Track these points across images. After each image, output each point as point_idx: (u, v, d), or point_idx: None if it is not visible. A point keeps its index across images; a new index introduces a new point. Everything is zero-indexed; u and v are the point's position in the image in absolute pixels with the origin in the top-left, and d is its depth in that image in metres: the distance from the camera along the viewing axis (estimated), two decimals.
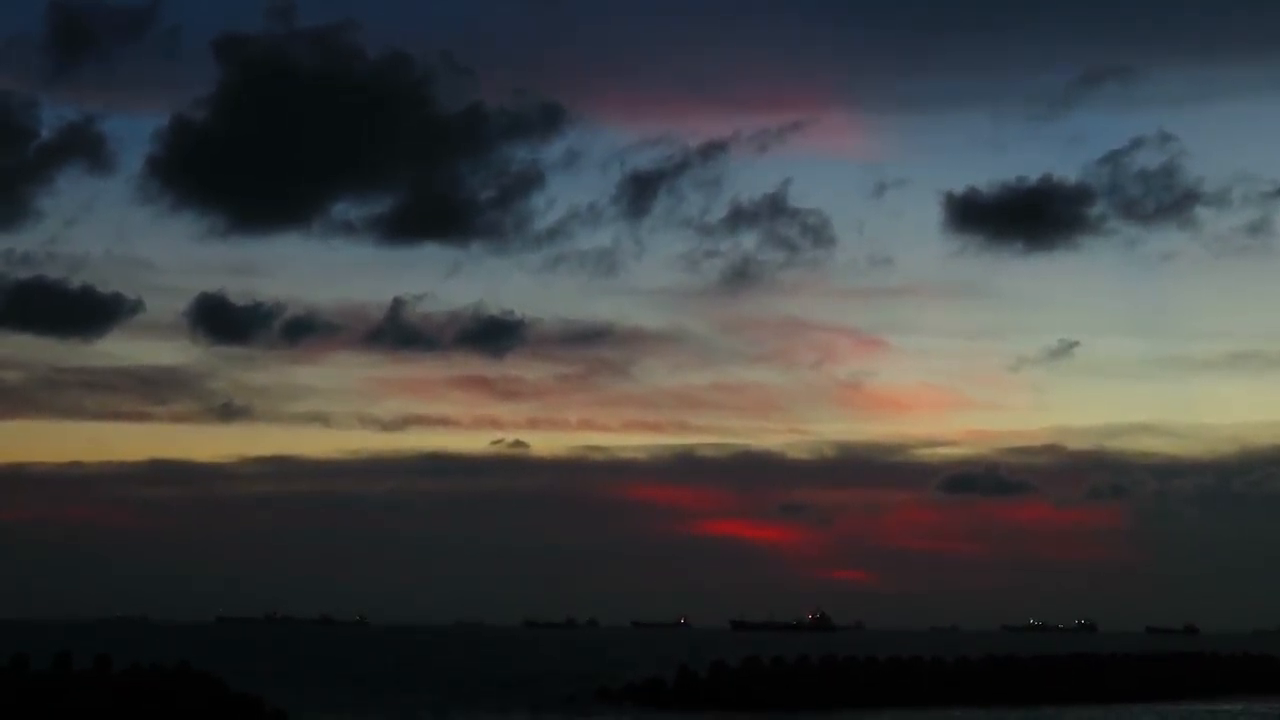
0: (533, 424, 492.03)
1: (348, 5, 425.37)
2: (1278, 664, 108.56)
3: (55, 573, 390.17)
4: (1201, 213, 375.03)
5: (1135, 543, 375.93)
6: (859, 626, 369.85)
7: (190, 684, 68.33)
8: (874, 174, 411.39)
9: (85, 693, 63.52)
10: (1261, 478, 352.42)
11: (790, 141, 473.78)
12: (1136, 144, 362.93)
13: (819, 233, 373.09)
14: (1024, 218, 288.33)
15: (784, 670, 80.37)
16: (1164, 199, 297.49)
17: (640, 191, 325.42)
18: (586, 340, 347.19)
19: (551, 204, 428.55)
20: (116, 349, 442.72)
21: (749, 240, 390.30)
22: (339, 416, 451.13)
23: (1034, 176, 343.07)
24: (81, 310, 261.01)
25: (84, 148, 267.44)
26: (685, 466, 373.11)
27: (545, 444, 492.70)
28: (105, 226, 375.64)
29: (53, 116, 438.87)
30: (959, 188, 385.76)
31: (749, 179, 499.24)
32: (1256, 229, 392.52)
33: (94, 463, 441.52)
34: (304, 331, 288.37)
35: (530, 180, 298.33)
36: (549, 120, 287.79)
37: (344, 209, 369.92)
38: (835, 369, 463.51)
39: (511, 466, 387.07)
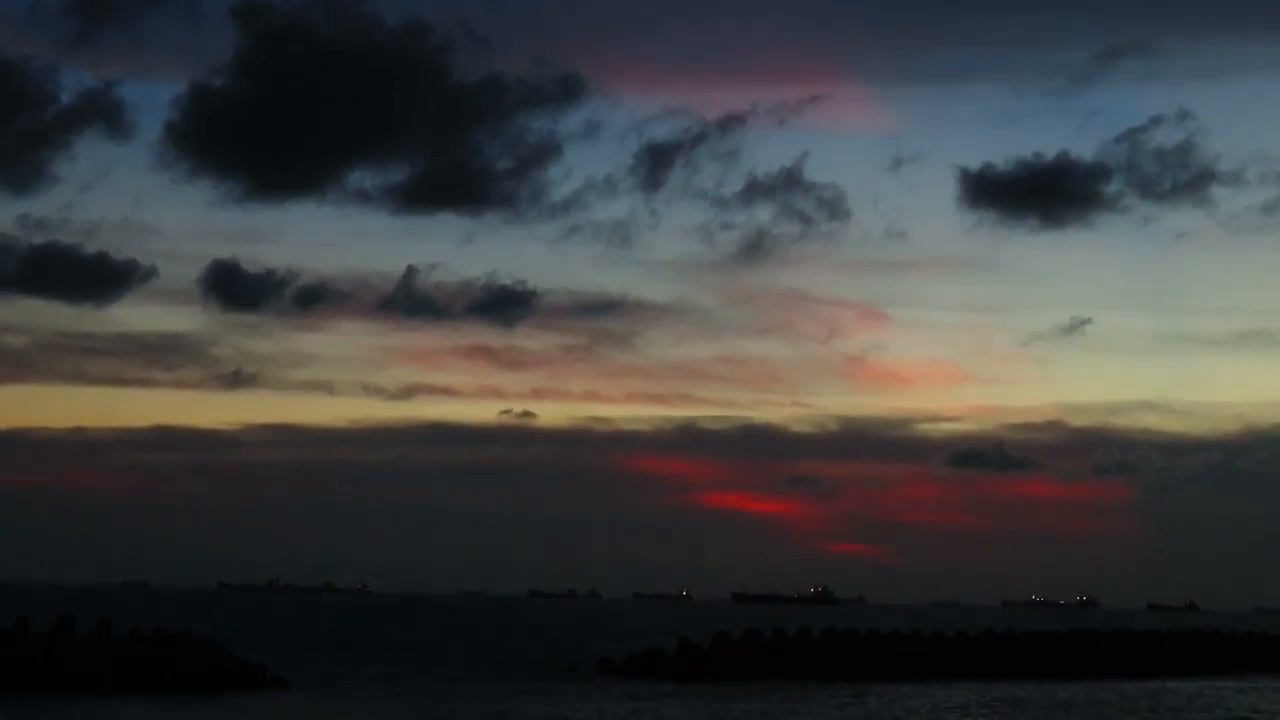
0: (537, 394, 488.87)
1: None
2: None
3: (57, 537, 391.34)
4: (1217, 191, 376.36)
5: (1138, 519, 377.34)
6: (861, 600, 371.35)
7: (192, 650, 68.79)
8: (890, 148, 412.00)
9: (87, 657, 63.84)
10: (1266, 456, 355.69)
11: (808, 115, 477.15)
12: (1154, 121, 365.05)
13: (834, 206, 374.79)
14: (1039, 194, 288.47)
15: (785, 642, 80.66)
16: (1180, 177, 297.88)
17: (657, 163, 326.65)
18: (596, 311, 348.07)
19: (568, 175, 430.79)
20: (128, 315, 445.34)
21: (764, 213, 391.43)
22: (345, 384, 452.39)
23: (1050, 153, 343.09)
24: (95, 276, 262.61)
25: (102, 114, 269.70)
26: (689, 438, 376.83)
27: (550, 414, 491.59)
28: (121, 192, 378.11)
29: (72, 82, 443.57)
30: (975, 163, 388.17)
31: (766, 152, 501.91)
32: (1272, 208, 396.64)
33: (98, 428, 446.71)
34: (315, 300, 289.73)
35: (547, 150, 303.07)
36: (567, 91, 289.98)
37: (360, 177, 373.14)
38: (841, 342, 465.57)
39: (517, 436, 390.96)
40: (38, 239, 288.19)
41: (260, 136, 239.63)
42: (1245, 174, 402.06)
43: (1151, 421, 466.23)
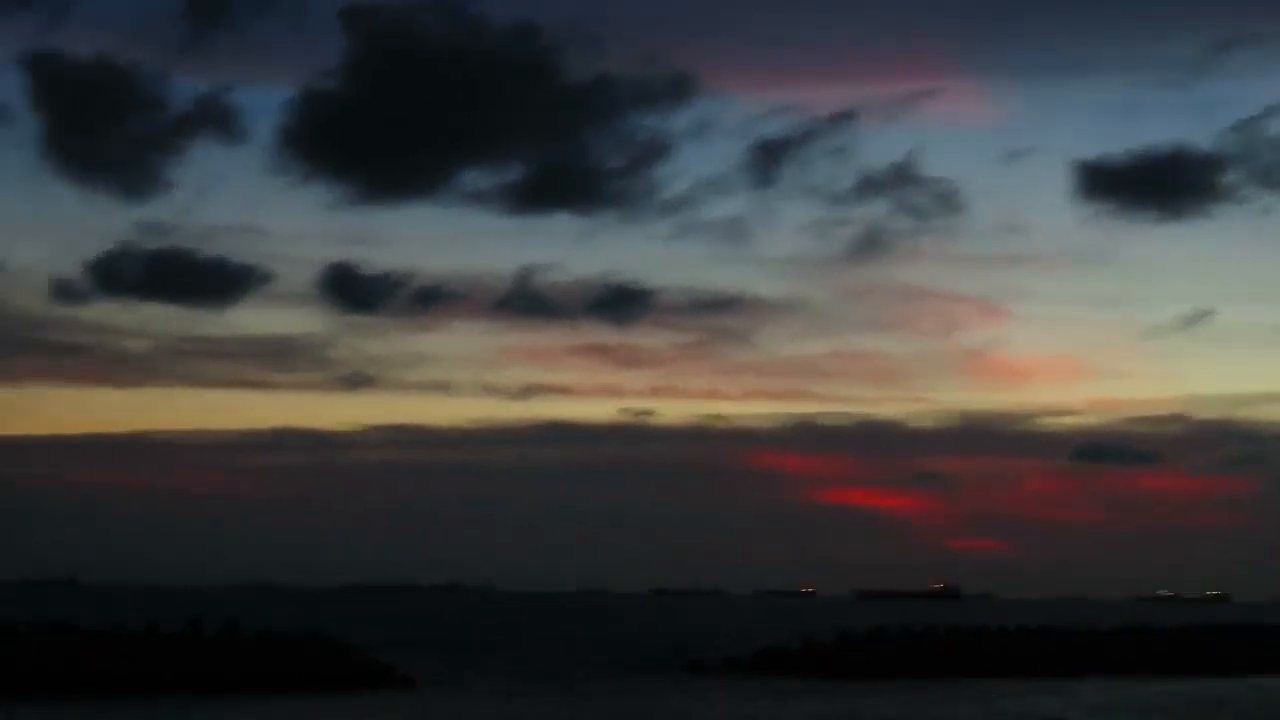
0: (655, 392, 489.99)
1: None
2: None
3: (181, 539, 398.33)
4: None
5: (1268, 512, 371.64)
6: (986, 596, 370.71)
7: (318, 650, 70.09)
8: (1003, 141, 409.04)
9: (216, 657, 65.16)
10: None
11: (919, 109, 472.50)
12: (1270, 111, 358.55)
13: (948, 200, 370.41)
14: (1156, 186, 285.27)
15: (910, 639, 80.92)
16: None
17: (768, 160, 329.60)
18: (712, 309, 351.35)
19: (680, 173, 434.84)
20: (246, 318, 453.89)
21: (877, 208, 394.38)
22: (462, 385, 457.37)
23: (1166, 144, 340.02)
24: (213, 280, 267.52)
25: (215, 119, 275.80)
26: (808, 435, 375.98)
27: (669, 412, 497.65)
28: (236, 197, 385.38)
29: (185, 88, 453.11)
30: (1089, 155, 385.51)
31: (877, 147, 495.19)
32: None
33: (219, 430, 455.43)
34: (430, 300, 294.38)
35: (658, 149, 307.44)
36: (677, 89, 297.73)
37: (472, 178, 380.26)
38: (959, 337, 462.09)
39: (635, 435, 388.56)
40: (156, 244, 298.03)
41: (373, 139, 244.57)
42: None
43: (1278, 414, 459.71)
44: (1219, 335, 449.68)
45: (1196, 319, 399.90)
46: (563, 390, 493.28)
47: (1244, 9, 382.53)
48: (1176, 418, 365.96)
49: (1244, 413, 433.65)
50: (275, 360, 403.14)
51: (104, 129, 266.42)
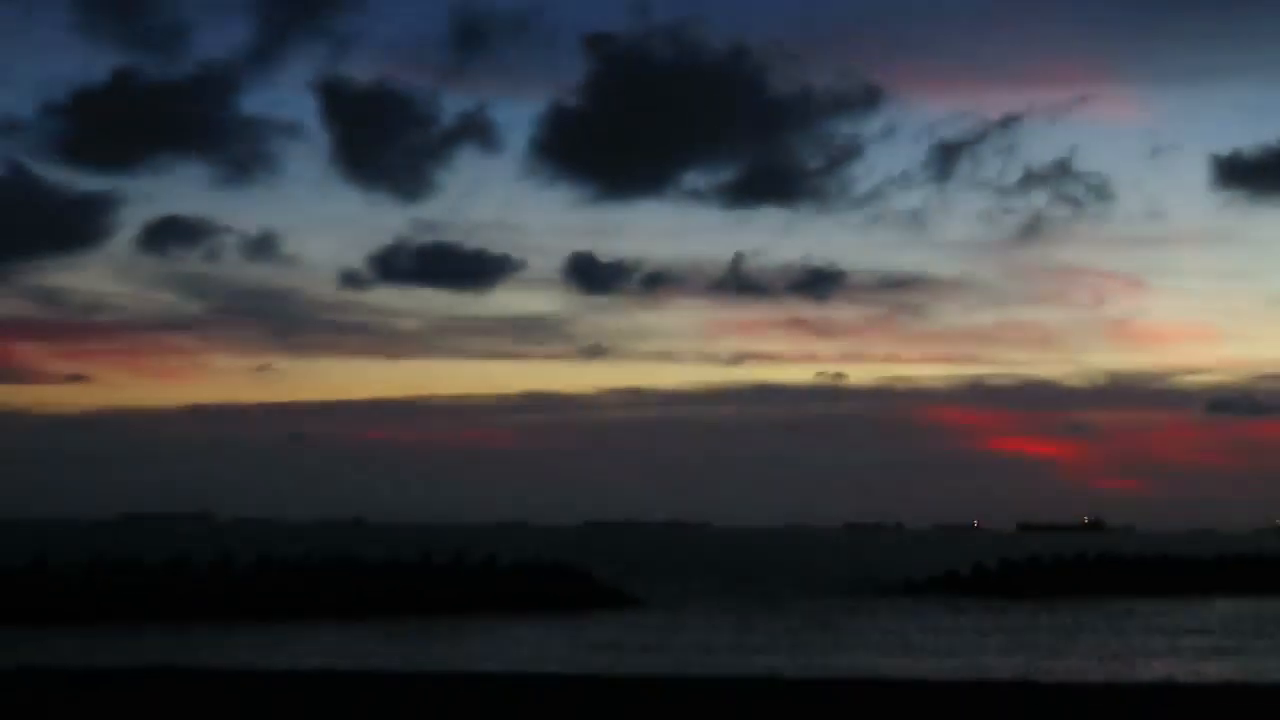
0: (847, 358, 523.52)
1: (695, 1, 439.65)
2: None
3: (447, 486, 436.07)
4: None
5: None
6: (1128, 528, 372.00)
7: (564, 576, 72.37)
8: (1149, 140, 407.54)
9: (478, 583, 67.84)
10: None
11: (1077, 113, 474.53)
12: None
13: (1100, 191, 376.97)
14: None
15: (1063, 564, 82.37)
16: None
17: (947, 159, 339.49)
18: (896, 287, 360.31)
19: (869, 171, 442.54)
20: (503, 300, 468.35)
21: (1039, 199, 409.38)
22: (684, 354, 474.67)
23: None
24: (475, 268, 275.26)
25: (477, 132, 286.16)
26: (977, 393, 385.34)
27: (858, 375, 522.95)
28: (494, 197, 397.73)
29: (452, 105, 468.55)
30: (1225, 150, 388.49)
31: (1040, 146, 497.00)
32: None
33: (480, 395, 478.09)
34: (657, 283, 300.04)
35: (851, 151, 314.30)
36: (868, 99, 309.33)
37: (693, 178, 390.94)
38: (1107, 308, 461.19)
39: (830, 394, 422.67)
40: (427, 239, 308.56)
41: (609, 147, 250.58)
42: None
43: None
44: None
45: None
46: (769, 357, 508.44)
47: None
48: None
49: None
50: (526, 335, 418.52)
51: (383, 142, 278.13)
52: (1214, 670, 40.05)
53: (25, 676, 30.89)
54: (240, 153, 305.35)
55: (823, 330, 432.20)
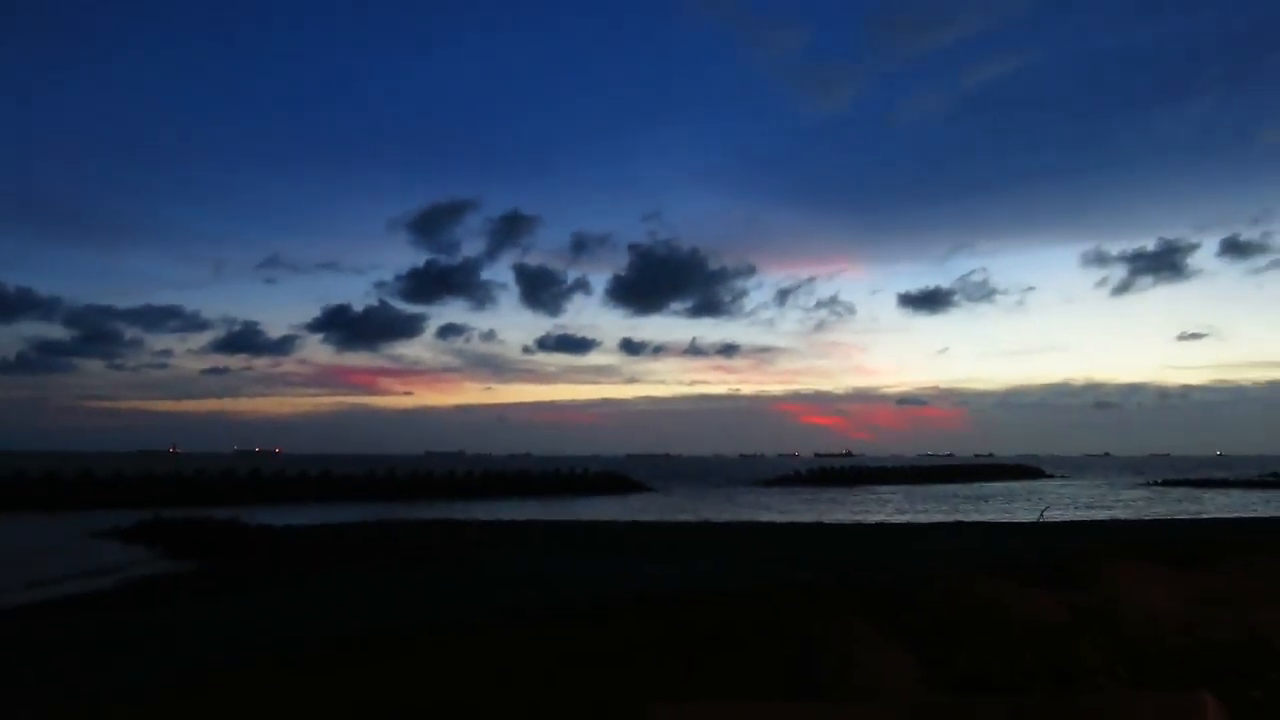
0: None
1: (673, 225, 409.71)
2: None
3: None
4: None
5: None
6: None
7: (611, 477, 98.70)
8: (868, 286, 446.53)
9: (560, 481, 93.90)
10: None
11: (836, 277, 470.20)
12: None
13: (847, 308, 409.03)
14: None
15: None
16: None
17: (783, 301, 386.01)
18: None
19: (751, 302, 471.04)
20: None
21: (820, 314, 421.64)
22: None
23: None
24: None
25: None
26: None
27: None
28: None
29: None
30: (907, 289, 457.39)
31: (822, 289, 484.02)
32: None
33: None
34: None
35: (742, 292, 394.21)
36: (749, 270, 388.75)
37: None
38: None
39: None
40: None
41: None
42: None
43: None
44: None
45: None
46: None
47: None
48: None
49: None
50: None
51: None
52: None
53: None
54: None
55: None
